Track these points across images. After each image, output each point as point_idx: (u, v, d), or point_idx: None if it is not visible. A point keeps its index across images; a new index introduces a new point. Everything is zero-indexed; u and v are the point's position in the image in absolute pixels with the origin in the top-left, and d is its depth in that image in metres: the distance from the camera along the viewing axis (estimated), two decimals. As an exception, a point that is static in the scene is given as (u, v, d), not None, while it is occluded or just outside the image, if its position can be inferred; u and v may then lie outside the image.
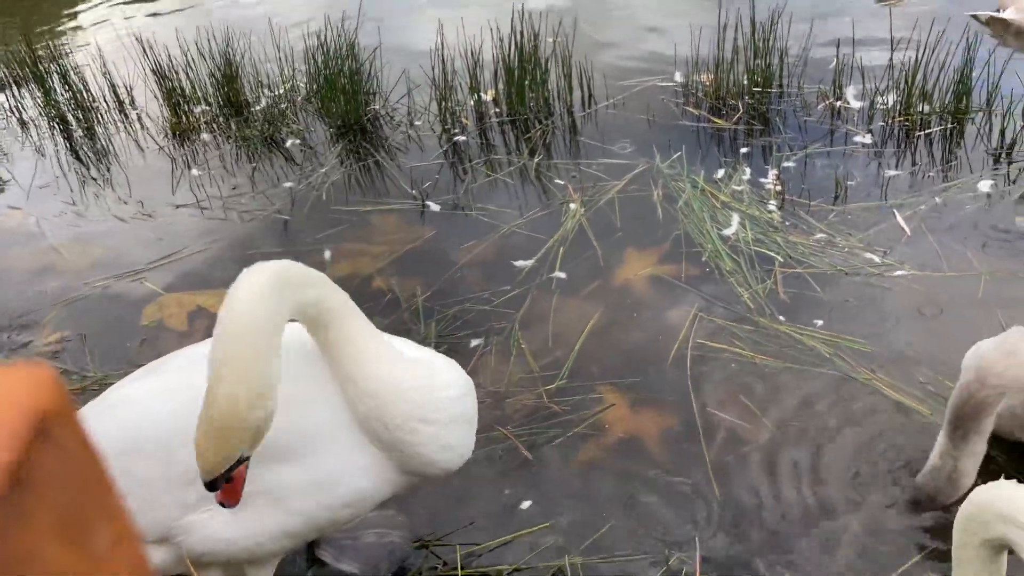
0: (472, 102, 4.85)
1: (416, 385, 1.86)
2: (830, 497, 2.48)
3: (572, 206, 3.93)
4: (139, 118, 5.36)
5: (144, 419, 1.88)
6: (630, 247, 3.66)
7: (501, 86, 4.79)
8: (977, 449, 2.31)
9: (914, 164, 3.91)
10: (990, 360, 2.26)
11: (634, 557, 2.34)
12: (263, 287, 1.63)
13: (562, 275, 3.53)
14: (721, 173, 4.03)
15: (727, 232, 3.62)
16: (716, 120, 4.48)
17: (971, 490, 1.84)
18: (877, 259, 3.33)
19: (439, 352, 2.11)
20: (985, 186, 3.63)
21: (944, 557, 2.23)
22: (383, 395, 1.81)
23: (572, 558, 2.36)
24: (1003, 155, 3.82)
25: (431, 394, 1.88)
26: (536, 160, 4.37)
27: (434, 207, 4.06)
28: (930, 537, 2.35)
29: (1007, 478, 1.84)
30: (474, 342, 3.21)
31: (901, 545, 2.34)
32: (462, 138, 4.65)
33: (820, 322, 3.10)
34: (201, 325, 3.47)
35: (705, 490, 2.55)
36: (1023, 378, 2.24)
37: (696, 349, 3.07)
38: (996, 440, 2.39)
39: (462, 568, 2.36)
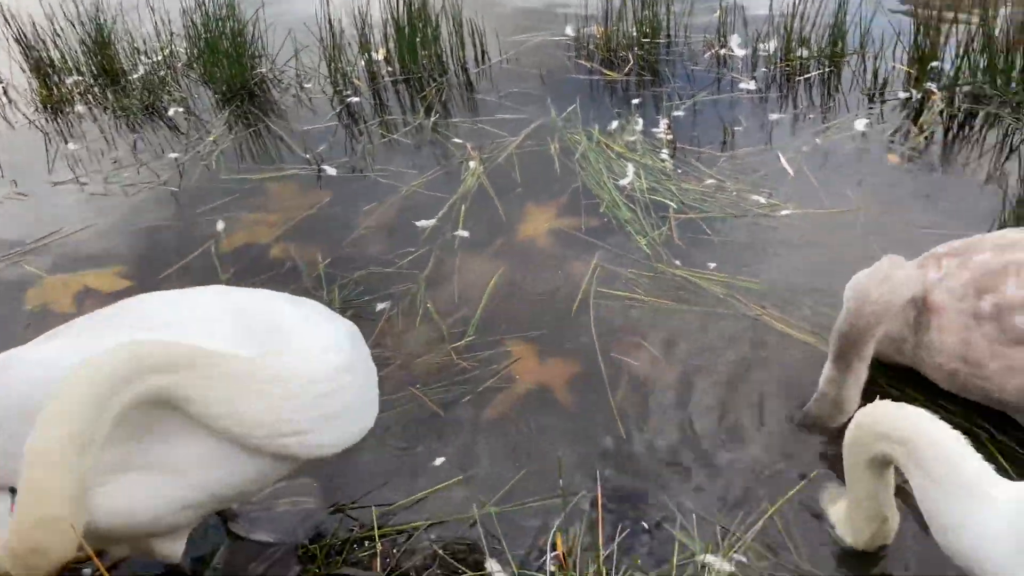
0: (363, 62, 4.76)
1: (264, 407, 1.76)
2: (728, 429, 2.61)
3: (472, 164, 3.92)
4: (4, 91, 5.02)
5: (35, 384, 1.75)
6: (530, 202, 3.69)
7: (392, 45, 4.70)
8: (860, 374, 2.47)
9: (795, 108, 4.07)
10: (865, 289, 2.40)
11: (546, 500, 2.40)
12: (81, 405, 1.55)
13: (465, 233, 3.53)
14: (615, 124, 4.10)
15: (623, 182, 3.70)
16: (608, 72, 4.53)
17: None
18: (763, 200, 3.47)
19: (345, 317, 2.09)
20: (860, 125, 3.82)
21: (837, 477, 2.40)
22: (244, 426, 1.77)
23: (485, 508, 2.41)
24: (876, 95, 4.01)
25: (288, 403, 1.79)
26: (432, 119, 4.33)
27: (330, 171, 3.98)
28: (823, 459, 2.50)
29: (886, 399, 1.99)
30: (380, 305, 3.19)
31: (796, 468, 2.49)
32: (355, 99, 4.55)
33: (713, 264, 3.22)
34: (90, 307, 3.32)
35: (611, 432, 2.63)
36: (896, 303, 2.39)
37: (598, 298, 3.14)
38: (877, 364, 2.55)
39: (378, 527, 2.37)
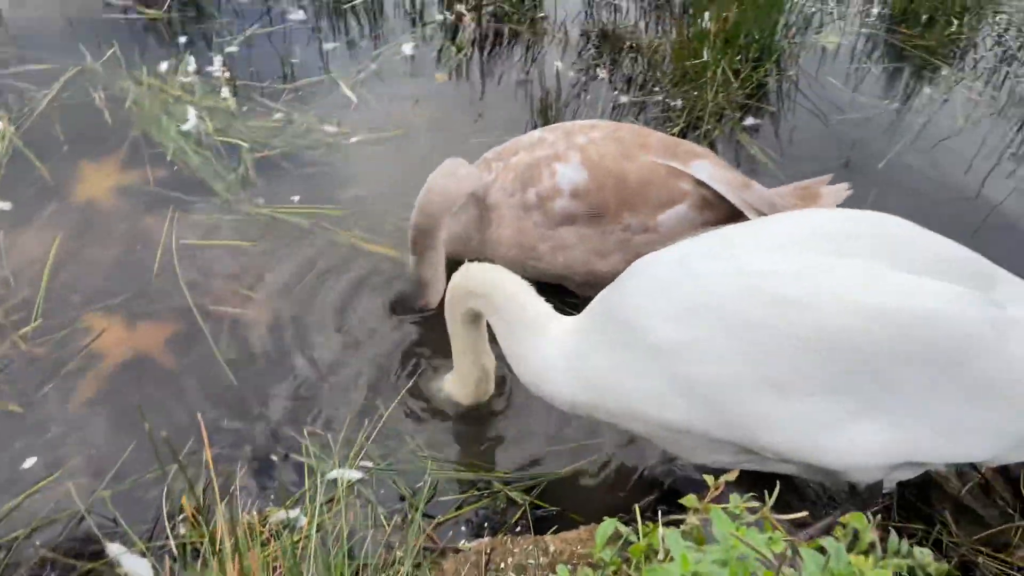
0: None
1: None
2: (339, 348, 2.71)
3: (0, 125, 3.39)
4: None
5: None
6: (83, 160, 3.33)
7: None
8: (435, 262, 2.77)
9: (348, 35, 4.18)
10: (433, 182, 2.68)
11: (162, 468, 2.29)
12: None
13: (5, 206, 3.08)
14: (165, 66, 3.83)
15: (187, 127, 3.50)
16: (145, 10, 4.18)
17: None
18: (334, 129, 3.56)
19: None
20: (408, 49, 4.07)
21: (441, 361, 2.65)
22: None
23: (96, 494, 2.23)
24: (417, 19, 4.29)
25: None
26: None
27: None
28: (423, 333, 2.78)
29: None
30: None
31: (404, 348, 2.71)
32: None
33: (297, 198, 3.24)
34: None
35: (221, 382, 2.58)
36: (460, 192, 2.69)
37: (182, 251, 2.99)
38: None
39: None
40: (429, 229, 2.70)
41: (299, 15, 4.25)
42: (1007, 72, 4.07)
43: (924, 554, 1.21)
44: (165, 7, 4.19)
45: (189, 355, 2.67)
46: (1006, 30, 4.35)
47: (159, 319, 2.77)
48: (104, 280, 2.88)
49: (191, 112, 3.57)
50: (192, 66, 3.83)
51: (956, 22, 4.30)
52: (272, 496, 2.28)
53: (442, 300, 2.35)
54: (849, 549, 1.17)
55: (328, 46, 4.07)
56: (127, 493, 2.28)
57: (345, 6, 4.32)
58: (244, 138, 3.47)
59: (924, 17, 4.35)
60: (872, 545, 1.20)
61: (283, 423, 2.48)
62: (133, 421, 2.44)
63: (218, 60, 3.88)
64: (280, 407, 2.53)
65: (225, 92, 3.70)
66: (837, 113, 3.78)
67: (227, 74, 3.78)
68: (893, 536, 1.29)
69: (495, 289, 2.12)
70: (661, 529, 1.37)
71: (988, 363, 1.63)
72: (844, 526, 1.23)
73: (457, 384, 2.46)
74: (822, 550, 1.13)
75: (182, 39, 4.02)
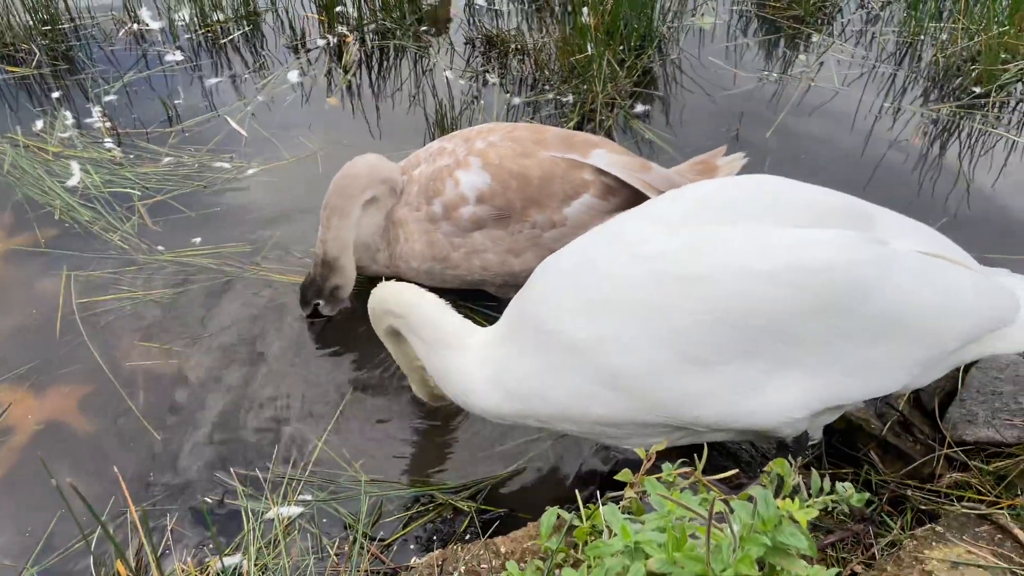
0: None
1: None
2: (261, 382, 2.65)
3: None
4: None
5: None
6: (-37, 231, 3.17)
7: None
8: (345, 241, 2.75)
9: (231, 70, 4.10)
10: (353, 161, 2.76)
11: (89, 535, 2.19)
12: None
13: None
14: (41, 124, 3.68)
15: (72, 183, 3.37)
16: (13, 68, 4.01)
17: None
18: (227, 166, 3.48)
19: None
20: (294, 76, 4.02)
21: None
22: None
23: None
24: (299, 46, 4.24)
25: None
26: None
27: None
28: (347, 356, 2.74)
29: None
30: None
31: (329, 374, 2.66)
32: None
33: (198, 239, 3.16)
34: None
35: (144, 437, 2.49)
36: (379, 172, 2.73)
37: (84, 310, 2.88)
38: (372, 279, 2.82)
39: None
40: (342, 207, 2.71)
41: (176, 56, 4.14)
42: (873, 33, 4.29)
43: (846, 487, 1.26)
44: (34, 63, 4.03)
45: (105, 415, 2.57)
46: (866, -7, 4.58)
47: (69, 382, 2.66)
48: (4, 351, 2.74)
49: (74, 167, 3.44)
50: (69, 120, 3.69)
51: (819, -9, 4.52)
52: (210, 546, 2.21)
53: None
54: (776, 495, 1.21)
55: (211, 82, 3.99)
56: (57, 568, 2.17)
57: (224, 40, 4.24)
58: (134, 186, 3.36)
59: (790, -11, 4.55)
60: (796, 488, 1.24)
61: (214, 468, 2.41)
62: (54, 492, 2.33)
63: (96, 111, 3.75)
64: (209, 453, 2.46)
65: (109, 142, 3.58)
66: (722, 90, 3.91)
67: (108, 123, 3.66)
68: (815, 475, 1.33)
69: (411, 310, 2.12)
70: (602, 508, 1.38)
71: (880, 299, 1.71)
72: (769, 474, 1.27)
73: (413, 385, 2.50)
74: (753, 502, 1.16)
75: (55, 94, 3.88)
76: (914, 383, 1.91)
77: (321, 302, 2.82)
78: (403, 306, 2.13)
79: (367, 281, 2.83)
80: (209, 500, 2.33)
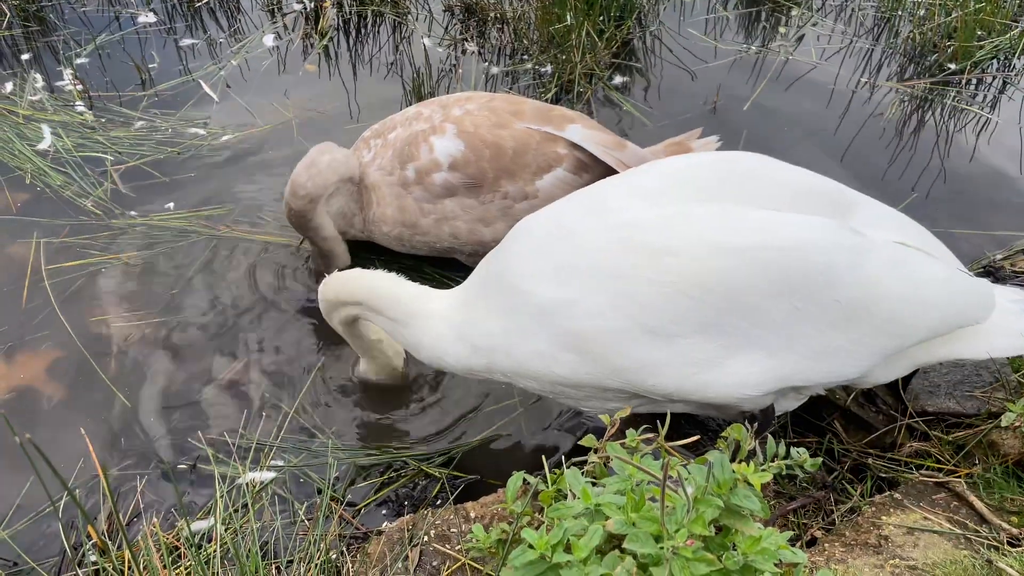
0: None
1: None
2: (234, 349, 2.65)
3: None
4: None
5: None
6: (-70, 194, 3.12)
7: None
8: (326, 234, 2.77)
9: (205, 33, 4.03)
10: (296, 175, 2.65)
11: (60, 501, 2.20)
12: None
13: None
14: (11, 86, 3.61)
15: (43, 146, 3.32)
16: (-19, 28, 3.93)
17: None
18: (202, 131, 3.44)
19: None
20: (270, 41, 3.96)
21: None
22: None
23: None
24: (276, 10, 4.18)
25: None
26: None
27: None
28: (320, 324, 2.69)
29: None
30: None
31: (303, 341, 2.66)
32: None
33: (171, 204, 3.13)
34: None
35: (113, 404, 2.49)
36: (326, 182, 2.66)
37: (53, 276, 2.85)
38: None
39: None
40: (301, 220, 2.71)
41: (150, 18, 4.07)
42: (852, 7, 4.29)
43: (800, 452, 1.29)
44: (4, 24, 3.94)
45: (75, 381, 2.56)
46: (846, -33, 4.58)
47: (37, 349, 2.64)
48: (-28, 317, 2.72)
49: (46, 130, 3.38)
50: (40, 82, 3.63)
51: (800, -36, 4.50)
52: (185, 510, 2.22)
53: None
54: (733, 460, 1.24)
55: (185, 45, 3.92)
56: (28, 530, 2.18)
57: (199, 4, 4.17)
58: (106, 151, 3.32)
59: (771, -38, 4.53)
60: (752, 452, 1.27)
61: (185, 434, 2.42)
62: (21, 457, 2.33)
63: (68, 73, 3.69)
64: (179, 419, 2.46)
65: (80, 106, 3.53)
66: (700, 62, 3.90)
67: (80, 87, 3.60)
68: (771, 440, 1.36)
69: (365, 292, 2.12)
70: (566, 472, 1.40)
71: (848, 287, 1.74)
72: (727, 439, 1.30)
73: (369, 367, 2.51)
74: (709, 465, 1.19)
75: (26, 55, 3.80)
76: (875, 374, 1.94)
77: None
78: (356, 293, 2.13)
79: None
80: (183, 466, 2.34)
